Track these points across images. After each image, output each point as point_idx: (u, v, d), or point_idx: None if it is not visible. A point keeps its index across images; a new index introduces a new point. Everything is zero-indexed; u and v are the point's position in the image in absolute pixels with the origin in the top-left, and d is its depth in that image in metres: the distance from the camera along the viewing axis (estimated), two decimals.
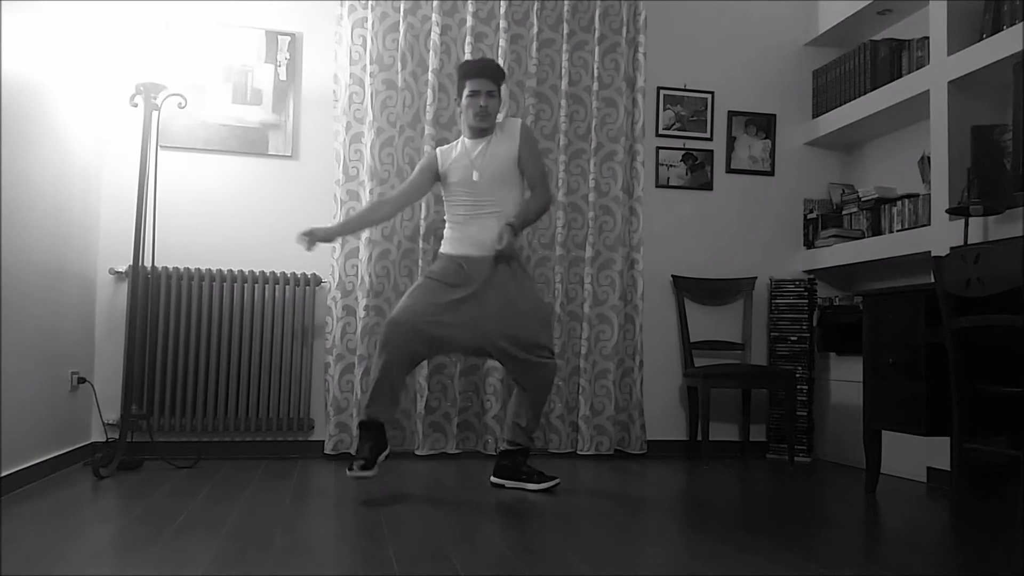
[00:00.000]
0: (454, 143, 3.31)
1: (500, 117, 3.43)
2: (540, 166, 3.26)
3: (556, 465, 3.78)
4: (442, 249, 3.26)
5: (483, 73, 3.15)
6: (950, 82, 3.51)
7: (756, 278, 4.42)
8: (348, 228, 3.28)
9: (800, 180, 4.57)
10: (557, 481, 3.13)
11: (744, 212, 4.50)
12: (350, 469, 2.92)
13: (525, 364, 3.10)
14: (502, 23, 4.07)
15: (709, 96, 4.48)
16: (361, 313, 3.83)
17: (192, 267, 3.75)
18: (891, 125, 4.19)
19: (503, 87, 3.33)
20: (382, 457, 3.00)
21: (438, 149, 3.31)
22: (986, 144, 3.39)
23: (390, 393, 3.01)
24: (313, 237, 3.07)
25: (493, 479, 3.20)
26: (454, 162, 3.22)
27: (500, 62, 4.04)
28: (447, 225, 3.26)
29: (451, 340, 3.07)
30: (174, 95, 3.54)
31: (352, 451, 3.79)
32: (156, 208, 3.71)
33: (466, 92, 3.17)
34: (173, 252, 3.80)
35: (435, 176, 3.28)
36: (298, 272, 3.87)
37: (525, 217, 3.18)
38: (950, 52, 3.52)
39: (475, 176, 3.16)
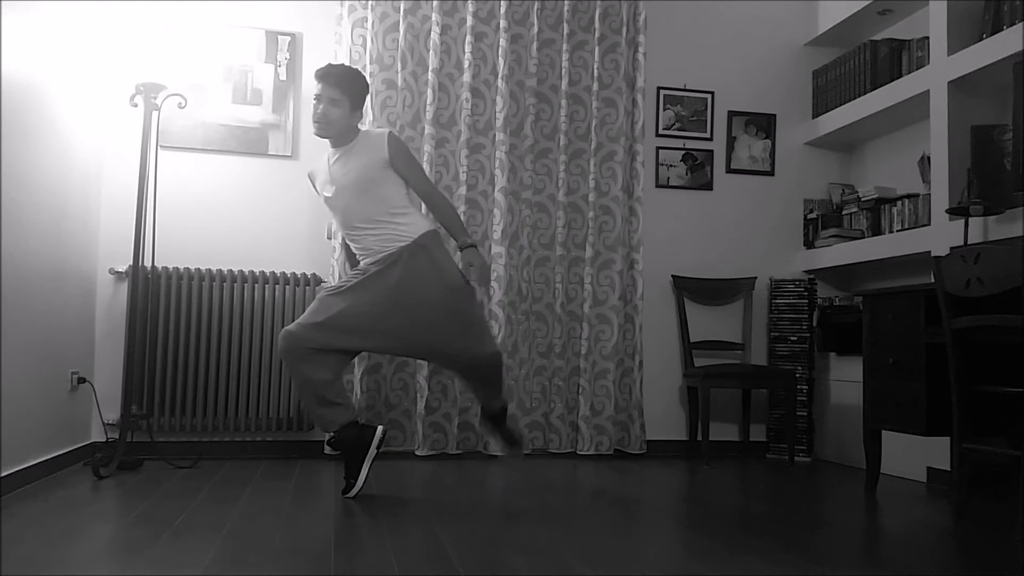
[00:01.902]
0: (325, 155, 3.11)
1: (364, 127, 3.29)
2: (421, 173, 3.04)
3: (556, 465, 3.78)
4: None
5: (325, 79, 2.96)
6: (950, 82, 3.51)
7: (756, 278, 4.42)
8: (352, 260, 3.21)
9: (800, 180, 4.57)
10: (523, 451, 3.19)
11: (744, 212, 4.50)
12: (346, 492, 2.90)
13: (466, 370, 3.04)
14: (502, 23, 4.07)
15: (709, 96, 4.48)
16: None
17: (192, 267, 3.75)
18: (891, 125, 4.19)
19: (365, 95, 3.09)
20: (375, 444, 2.89)
21: (311, 168, 3.17)
22: (986, 144, 3.39)
23: (323, 399, 2.88)
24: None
25: (478, 422, 3.23)
26: (318, 179, 3.09)
27: (500, 62, 4.05)
28: None
29: (361, 332, 2.90)
30: (174, 95, 3.54)
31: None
32: (156, 208, 3.71)
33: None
34: (173, 252, 3.80)
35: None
36: (298, 272, 3.87)
37: (458, 229, 2.99)
38: (950, 52, 3.52)
39: (329, 191, 3.00)
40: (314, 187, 3.18)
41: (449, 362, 3.06)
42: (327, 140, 3.05)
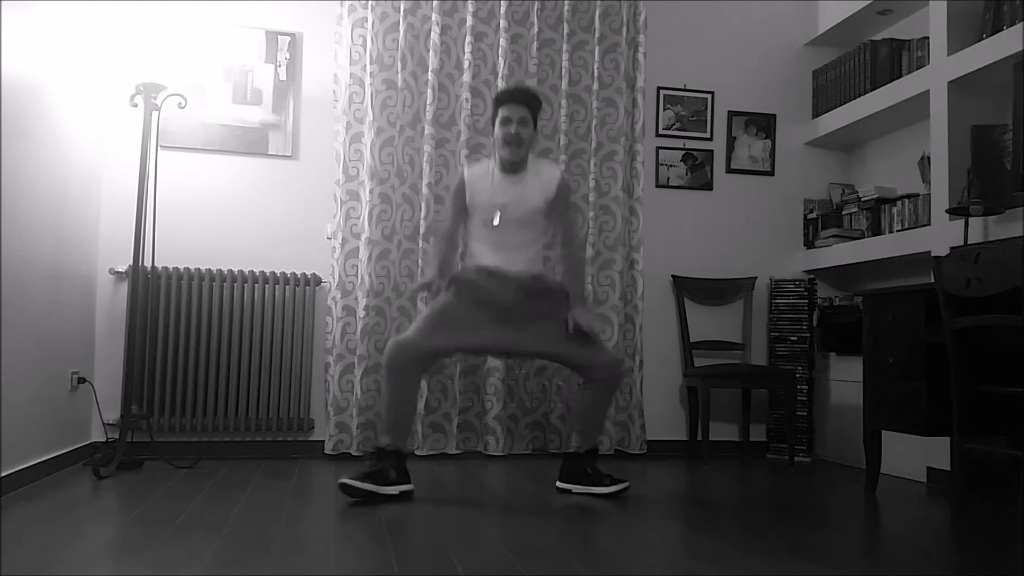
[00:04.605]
0: (485, 167, 3.12)
1: (534, 154, 3.27)
2: (572, 220, 3.15)
3: (556, 465, 3.77)
4: (464, 264, 3.18)
5: (514, 99, 3.01)
6: (950, 82, 3.51)
7: (756, 278, 4.42)
8: (445, 272, 3.10)
9: (800, 180, 4.58)
10: (626, 485, 3.02)
11: (744, 212, 4.50)
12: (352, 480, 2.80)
13: (583, 370, 3.04)
14: (502, 23, 4.07)
15: (709, 96, 4.48)
16: (361, 313, 3.83)
17: (192, 267, 3.75)
18: (891, 125, 4.19)
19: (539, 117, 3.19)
20: (387, 492, 2.83)
21: (466, 173, 3.12)
22: (986, 144, 3.39)
23: (406, 419, 2.92)
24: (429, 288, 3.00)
25: (558, 484, 3.13)
26: (480, 196, 3.07)
27: (500, 62, 4.05)
28: (470, 244, 3.15)
29: (479, 345, 2.98)
30: (174, 95, 3.54)
31: (352, 451, 3.80)
32: (156, 208, 3.71)
33: (498, 119, 3.02)
34: (173, 252, 3.80)
35: (464, 202, 3.12)
36: (298, 272, 3.87)
37: (579, 289, 3.08)
38: (950, 52, 3.52)
39: (496, 220, 3.03)
40: (464, 192, 3.09)
41: (569, 364, 3.05)
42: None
